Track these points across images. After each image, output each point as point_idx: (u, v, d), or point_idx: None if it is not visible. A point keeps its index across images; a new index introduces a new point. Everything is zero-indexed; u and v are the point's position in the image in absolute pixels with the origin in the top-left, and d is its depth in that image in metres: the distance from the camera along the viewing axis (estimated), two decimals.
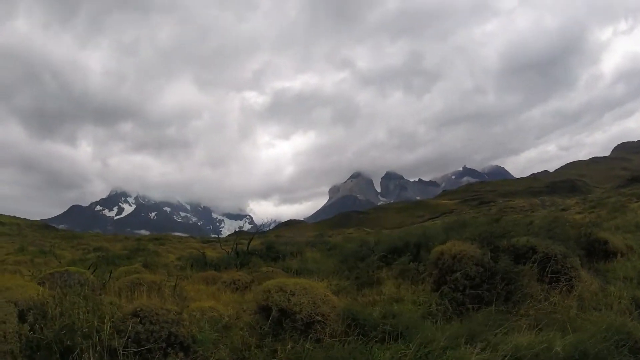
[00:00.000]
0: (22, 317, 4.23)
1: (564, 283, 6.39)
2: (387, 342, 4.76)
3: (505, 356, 4.20)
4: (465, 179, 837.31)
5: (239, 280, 9.42)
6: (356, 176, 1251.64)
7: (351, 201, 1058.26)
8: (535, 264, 6.58)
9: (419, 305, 6.45)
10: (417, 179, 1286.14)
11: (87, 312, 4.34)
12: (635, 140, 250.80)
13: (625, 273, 7.53)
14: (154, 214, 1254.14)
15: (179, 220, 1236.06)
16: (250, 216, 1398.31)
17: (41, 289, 4.98)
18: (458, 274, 6.35)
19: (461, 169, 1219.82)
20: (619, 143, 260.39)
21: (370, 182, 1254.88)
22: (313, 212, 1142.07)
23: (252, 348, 4.77)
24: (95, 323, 4.20)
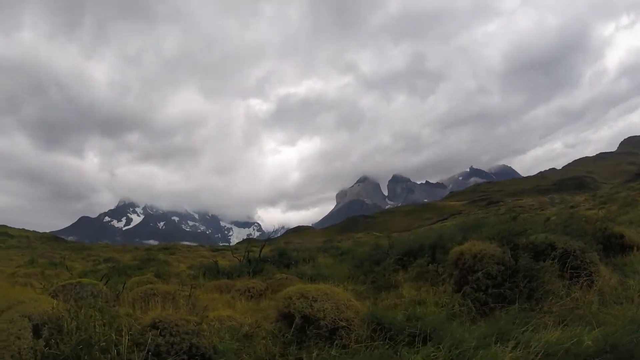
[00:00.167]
0: (36, 332, 4.05)
1: (584, 278, 6.33)
2: (416, 345, 4.68)
3: (538, 353, 4.12)
4: (473, 180, 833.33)
5: (253, 287, 9.34)
6: (363, 180, 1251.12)
7: (358, 205, 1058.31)
8: (555, 260, 6.52)
9: (442, 306, 6.37)
10: (424, 182, 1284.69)
11: (104, 325, 4.17)
12: None
13: None
14: (162, 223, 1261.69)
15: (188, 230, 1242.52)
16: (258, 223, 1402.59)
17: (55, 302, 4.80)
18: (480, 273, 6.29)
19: (468, 169, 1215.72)
20: (625, 138, 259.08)
21: (377, 186, 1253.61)
22: (321, 218, 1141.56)
23: (276, 357, 4.68)
24: (113, 336, 4.04)
